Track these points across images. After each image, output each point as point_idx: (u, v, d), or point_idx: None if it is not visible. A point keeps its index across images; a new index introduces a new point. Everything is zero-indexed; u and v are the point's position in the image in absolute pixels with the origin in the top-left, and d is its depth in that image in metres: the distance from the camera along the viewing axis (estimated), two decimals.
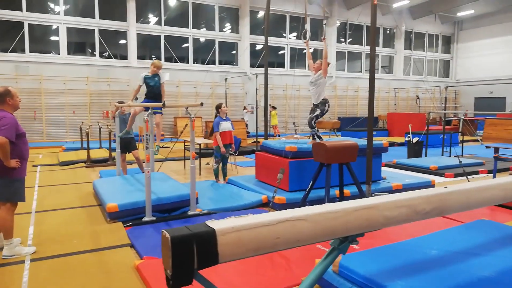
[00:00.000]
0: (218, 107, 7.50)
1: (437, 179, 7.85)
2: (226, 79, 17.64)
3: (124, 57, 17.52)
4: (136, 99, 7.68)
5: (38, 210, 5.64)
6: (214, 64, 19.28)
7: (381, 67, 25.11)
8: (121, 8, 17.14)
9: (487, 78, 24.36)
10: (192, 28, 18.76)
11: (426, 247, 2.78)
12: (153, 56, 18.33)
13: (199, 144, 9.56)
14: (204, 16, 19.27)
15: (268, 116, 9.54)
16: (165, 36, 18.17)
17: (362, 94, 23.04)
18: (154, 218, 5.05)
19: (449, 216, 4.62)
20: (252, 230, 1.55)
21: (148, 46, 18.39)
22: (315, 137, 6.27)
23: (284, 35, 21.20)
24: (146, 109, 7.47)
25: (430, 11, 23.78)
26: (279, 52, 21.19)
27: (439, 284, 2.24)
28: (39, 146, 13.36)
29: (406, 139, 11.81)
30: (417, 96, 24.64)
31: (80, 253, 4.00)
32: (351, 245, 1.92)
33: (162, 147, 12.99)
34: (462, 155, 10.70)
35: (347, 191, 5.78)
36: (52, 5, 16.18)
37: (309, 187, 5.22)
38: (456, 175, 8.27)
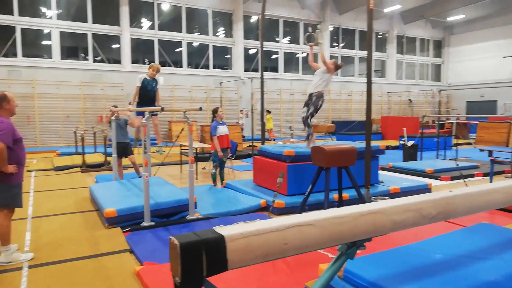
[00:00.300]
0: (215, 112, 7.49)
1: (433, 182, 7.90)
2: (221, 83, 17.63)
3: (118, 61, 17.43)
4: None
5: (35, 216, 5.58)
6: (208, 69, 19.28)
7: (374, 71, 25.26)
8: (114, 12, 17.07)
9: (479, 82, 24.59)
10: (186, 33, 18.75)
11: (430, 250, 2.79)
12: (146, 61, 18.27)
13: (196, 149, 9.52)
14: (197, 21, 19.27)
15: (264, 120, 9.54)
16: (159, 40, 18.14)
17: (356, 98, 23.16)
18: (153, 223, 5.02)
19: (449, 220, 4.64)
20: (261, 236, 1.53)
21: (141, 51, 18.33)
22: (309, 137, 6.25)
23: (278, 39, 21.27)
24: (141, 114, 7.44)
25: (421, 16, 24.01)
26: (272, 57, 21.25)
27: None
28: (33, 151, 13.23)
29: (401, 142, 11.86)
30: (409, 99, 24.82)
31: (79, 259, 3.96)
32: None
33: (157, 151, 12.98)
34: (456, 158, 10.77)
35: (345, 194, 5.79)
36: (44, 10, 16.08)
37: (308, 191, 5.22)
38: (453, 178, 8.33)
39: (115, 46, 17.56)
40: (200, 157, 10.33)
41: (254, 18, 20.60)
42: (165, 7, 18.49)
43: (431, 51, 27.26)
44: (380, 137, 18.93)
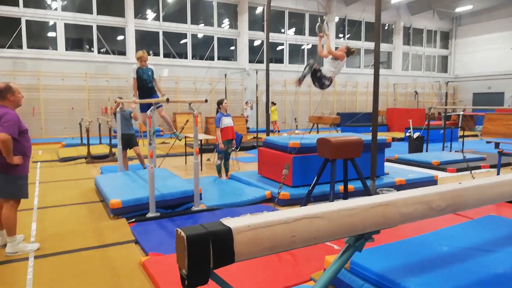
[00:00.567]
0: (219, 103, 7.46)
1: (439, 174, 7.85)
2: (225, 75, 17.57)
3: (123, 53, 17.41)
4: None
5: (40, 207, 5.60)
6: (213, 60, 19.21)
7: (380, 62, 25.04)
8: (119, 4, 17.01)
9: (486, 73, 24.36)
10: (191, 24, 18.66)
11: (437, 243, 2.76)
12: (151, 52, 18.22)
13: (200, 140, 9.52)
14: (202, 12, 19.17)
15: (269, 112, 9.51)
16: (163, 32, 18.07)
17: (361, 90, 23.02)
18: (158, 214, 5.02)
19: (458, 212, 4.61)
20: (268, 228, 1.51)
21: (146, 42, 18.27)
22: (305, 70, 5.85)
23: (283, 31, 21.11)
24: (144, 109, 7.34)
25: (428, 7, 23.72)
26: (277, 48, 21.12)
27: (454, 281, 2.21)
28: (38, 142, 13.30)
29: (407, 134, 11.79)
30: (415, 91, 24.62)
31: (84, 250, 3.97)
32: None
33: (162, 143, 13.00)
34: (462, 150, 10.69)
35: (350, 186, 5.76)
36: (49, 1, 16.04)
37: (313, 183, 5.19)
38: (458, 170, 8.27)
39: (119, 37, 17.53)
40: (205, 148, 10.33)
41: (259, 10, 20.46)
42: None
43: (438, 42, 26.98)
44: (386, 129, 18.84)
